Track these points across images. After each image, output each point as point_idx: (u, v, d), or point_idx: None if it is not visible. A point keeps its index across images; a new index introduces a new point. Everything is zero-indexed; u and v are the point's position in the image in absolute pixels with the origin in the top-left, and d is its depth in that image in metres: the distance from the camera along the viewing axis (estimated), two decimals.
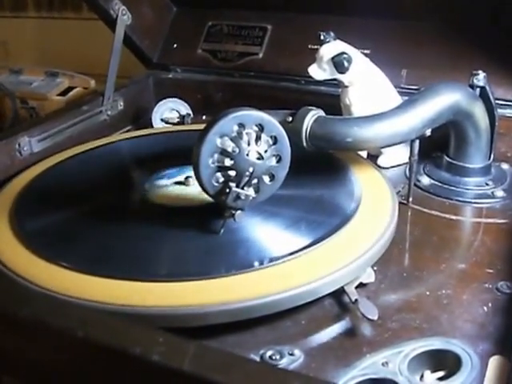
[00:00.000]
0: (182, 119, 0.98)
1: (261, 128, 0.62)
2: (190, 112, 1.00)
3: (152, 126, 0.99)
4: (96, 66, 1.01)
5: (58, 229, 0.68)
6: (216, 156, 0.61)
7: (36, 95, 1.20)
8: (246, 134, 0.61)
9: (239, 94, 1.03)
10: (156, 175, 0.75)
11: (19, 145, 0.86)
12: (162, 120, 0.99)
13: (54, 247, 0.63)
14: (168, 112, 1.00)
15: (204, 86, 1.07)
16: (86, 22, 1.18)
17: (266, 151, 0.62)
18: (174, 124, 0.98)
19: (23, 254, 0.62)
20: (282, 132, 0.62)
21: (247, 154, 0.61)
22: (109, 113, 1.00)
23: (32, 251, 0.62)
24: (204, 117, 1.02)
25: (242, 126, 0.61)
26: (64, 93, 1.21)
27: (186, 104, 1.00)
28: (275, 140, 0.62)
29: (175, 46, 1.11)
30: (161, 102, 1.00)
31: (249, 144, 0.61)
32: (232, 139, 0.61)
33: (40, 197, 0.74)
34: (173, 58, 1.12)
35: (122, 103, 1.03)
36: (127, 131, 1.02)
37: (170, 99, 1.00)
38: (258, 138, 0.62)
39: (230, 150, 0.61)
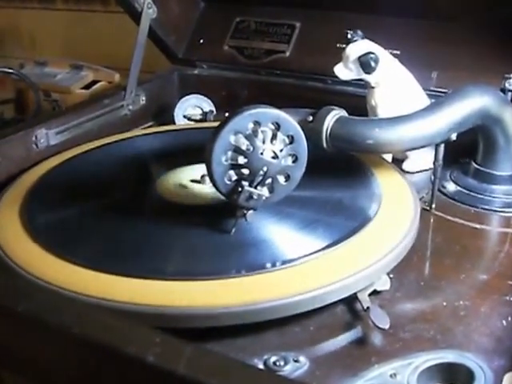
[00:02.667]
0: (205, 116, 0.96)
1: (277, 126, 0.60)
2: (213, 109, 0.98)
3: (174, 123, 0.97)
4: (122, 60, 0.99)
5: (67, 223, 0.67)
6: (229, 153, 0.59)
7: (59, 88, 1.20)
8: (262, 132, 0.59)
9: (264, 92, 1.01)
10: (172, 172, 0.74)
11: (36, 137, 0.85)
12: (184, 117, 0.98)
13: (61, 242, 0.62)
14: (191, 108, 0.98)
15: (229, 83, 1.06)
16: (114, 15, 1.17)
17: (281, 150, 0.60)
18: (196, 121, 0.97)
19: (29, 247, 0.61)
20: (299, 131, 0.61)
21: (261, 153, 0.59)
22: (130, 108, 0.98)
23: (38, 244, 0.61)
24: (227, 114, 1.00)
25: (257, 123, 0.59)
26: (88, 86, 1.21)
27: (209, 101, 0.99)
28: (292, 139, 0.61)
29: (201, 41, 1.10)
30: (184, 98, 0.98)
31: (264, 142, 0.59)
32: (246, 137, 0.59)
33: (52, 190, 0.74)
34: (198, 54, 1.10)
35: (144, 98, 1.01)
36: (149, 127, 1.01)
37: (194, 95, 0.99)
38: (273, 137, 0.60)
39: (244, 147, 0.59)
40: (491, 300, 0.59)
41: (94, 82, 1.23)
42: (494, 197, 0.77)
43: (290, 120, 0.60)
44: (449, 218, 0.73)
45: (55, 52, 1.54)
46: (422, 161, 0.83)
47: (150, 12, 0.98)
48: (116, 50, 1.17)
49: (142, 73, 1.01)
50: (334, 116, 0.70)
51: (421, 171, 0.84)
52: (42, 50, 1.58)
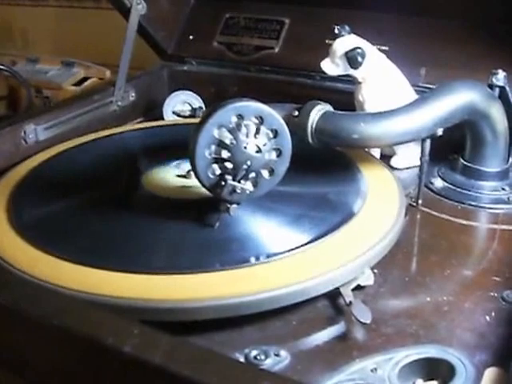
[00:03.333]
0: (194, 112, 0.96)
1: (261, 120, 0.60)
2: (203, 105, 0.98)
3: (163, 119, 0.97)
4: (113, 57, 0.99)
5: (53, 218, 0.67)
6: (213, 147, 0.59)
7: (51, 84, 1.20)
8: (245, 125, 0.59)
9: (253, 88, 1.01)
10: (158, 167, 0.74)
11: (25, 132, 0.85)
12: (173, 113, 0.97)
13: (45, 236, 0.62)
14: (180, 105, 0.98)
15: (218, 80, 1.05)
16: (105, 12, 1.16)
17: (265, 145, 0.60)
18: (185, 117, 0.96)
19: (14, 240, 0.61)
20: (282, 125, 0.60)
21: (245, 147, 0.59)
22: (119, 103, 0.98)
23: (23, 238, 0.61)
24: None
25: (240, 117, 0.59)
26: (79, 83, 1.21)
27: (198, 97, 0.99)
28: (276, 133, 0.60)
29: (191, 37, 1.10)
30: (173, 95, 0.98)
31: (247, 136, 0.59)
32: (230, 130, 0.59)
33: (40, 185, 0.73)
34: (188, 50, 1.10)
35: (133, 94, 1.01)
36: (138, 123, 1.01)
37: (183, 92, 0.98)
38: (257, 131, 0.60)
39: (227, 141, 0.59)
40: (475, 296, 0.58)
41: (85, 79, 1.23)
42: (481, 193, 0.76)
43: (273, 114, 0.60)
44: (436, 213, 0.73)
45: (47, 49, 1.54)
46: (410, 157, 0.82)
47: (139, 8, 0.98)
48: (107, 47, 1.17)
49: (132, 69, 1.01)
50: (319, 111, 0.69)
51: (409, 167, 0.83)
52: (33, 46, 1.57)
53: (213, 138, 0.59)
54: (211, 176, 0.59)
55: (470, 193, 0.77)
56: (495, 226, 0.71)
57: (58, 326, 0.44)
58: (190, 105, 0.98)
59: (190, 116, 0.96)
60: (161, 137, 0.86)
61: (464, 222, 0.72)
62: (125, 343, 0.41)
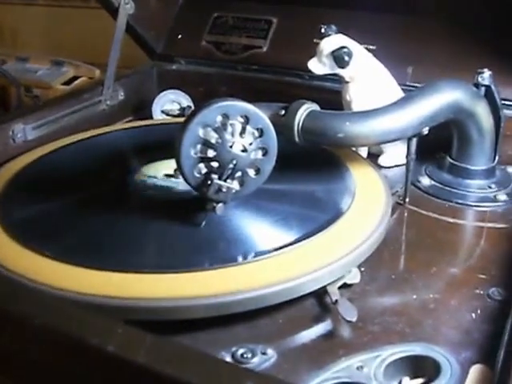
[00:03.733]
0: (183, 111, 0.96)
1: (246, 120, 0.60)
2: (191, 104, 0.98)
3: (152, 118, 0.97)
4: (103, 56, 0.99)
5: (40, 216, 0.66)
6: (199, 147, 0.59)
7: (40, 83, 1.20)
8: (231, 125, 0.59)
9: (242, 87, 1.01)
10: (148, 167, 0.74)
11: (13, 132, 0.85)
12: (162, 112, 0.97)
13: (31, 233, 0.62)
14: (169, 104, 0.98)
15: (207, 79, 1.05)
16: (95, 11, 1.16)
17: (250, 144, 0.60)
18: (174, 116, 0.97)
19: (1, 239, 0.61)
20: (268, 125, 0.60)
21: (230, 146, 0.59)
22: (108, 102, 0.98)
23: (10, 237, 0.61)
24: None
25: (226, 116, 0.59)
26: (69, 82, 1.21)
27: (187, 96, 0.99)
28: (261, 132, 0.60)
29: (180, 36, 1.10)
30: (161, 94, 0.98)
31: (233, 135, 0.59)
32: (215, 130, 0.59)
33: (28, 185, 0.73)
34: (177, 50, 1.10)
35: (122, 93, 1.01)
36: (127, 122, 1.01)
37: (172, 91, 0.99)
38: (243, 130, 0.60)
39: (213, 140, 0.59)
40: (461, 293, 0.59)
41: (75, 78, 1.23)
42: (468, 191, 0.77)
43: (258, 113, 0.60)
44: (422, 212, 0.73)
45: (36, 48, 1.53)
46: (397, 155, 0.83)
47: (127, 7, 0.98)
48: (97, 46, 1.16)
49: (122, 68, 1.02)
50: (305, 110, 0.69)
51: (396, 166, 0.84)
52: (23, 45, 1.57)
53: (198, 138, 0.59)
54: (197, 175, 0.60)
55: (457, 191, 0.77)
56: (482, 224, 0.72)
57: (41, 326, 0.44)
58: (179, 104, 0.98)
59: (179, 115, 0.97)
60: (150, 136, 0.86)
61: (451, 220, 0.72)
62: (109, 343, 0.41)
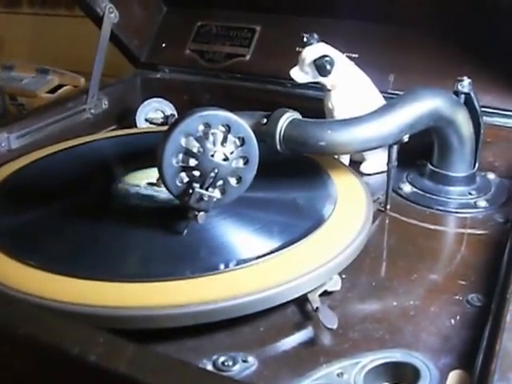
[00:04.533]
0: (166, 119, 0.96)
1: (228, 129, 0.60)
2: (175, 112, 0.98)
3: (136, 126, 0.97)
4: (88, 64, 0.99)
5: (23, 225, 0.66)
6: (180, 156, 0.59)
7: (25, 92, 1.20)
8: (212, 134, 0.60)
9: (225, 95, 1.01)
10: (131, 175, 0.74)
11: None
12: (146, 120, 0.98)
13: (14, 242, 0.62)
14: (153, 112, 0.99)
15: (190, 87, 1.06)
16: (80, 20, 1.16)
17: (232, 152, 0.60)
18: (157, 124, 0.97)
19: None
20: (249, 133, 0.61)
21: (212, 155, 0.59)
22: (92, 111, 0.98)
23: None
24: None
25: (207, 125, 0.60)
26: (54, 90, 1.21)
27: (170, 104, 0.99)
28: (243, 141, 0.61)
29: (164, 45, 1.10)
30: (145, 102, 0.99)
31: (214, 144, 0.60)
32: (197, 139, 0.59)
33: (12, 194, 0.73)
34: (161, 58, 1.10)
35: (106, 102, 1.01)
36: (111, 131, 1.01)
37: (155, 99, 0.99)
38: (224, 139, 0.60)
39: (194, 150, 0.59)
40: (441, 299, 0.59)
41: (60, 86, 1.23)
42: (449, 198, 0.78)
43: (240, 122, 0.60)
44: (403, 218, 0.74)
45: (22, 56, 1.53)
46: (379, 162, 0.83)
47: (111, 16, 0.98)
48: (82, 55, 1.16)
49: (107, 77, 1.02)
50: (287, 118, 0.70)
51: (378, 173, 0.84)
52: (8, 53, 1.57)
53: (180, 147, 0.59)
54: (179, 184, 0.60)
55: (437, 198, 0.78)
56: (462, 231, 0.72)
57: (24, 335, 0.44)
58: (163, 112, 0.99)
59: (163, 123, 0.97)
60: (133, 144, 0.86)
61: (432, 227, 0.73)
62: (90, 352, 0.42)
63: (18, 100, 1.20)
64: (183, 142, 0.59)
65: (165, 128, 0.89)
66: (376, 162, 0.84)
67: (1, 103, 1.17)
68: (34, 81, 1.23)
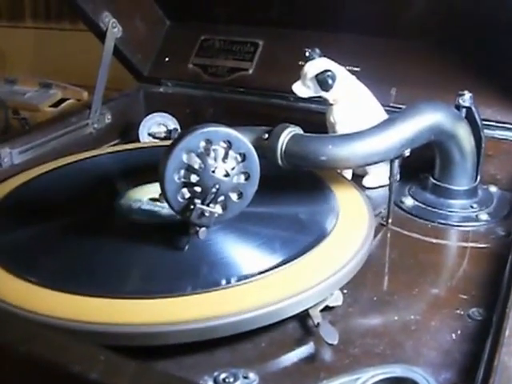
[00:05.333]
0: (169, 134, 0.97)
1: (229, 145, 0.60)
2: (178, 127, 0.99)
3: (139, 141, 0.98)
4: (91, 78, 1.00)
5: (25, 241, 0.67)
6: (182, 172, 0.60)
7: (28, 106, 1.20)
8: (214, 150, 0.60)
9: (228, 109, 1.02)
10: (133, 190, 0.75)
11: (0, 156, 0.85)
12: (149, 134, 0.98)
13: (15, 259, 0.62)
14: (155, 126, 0.99)
15: (193, 101, 1.06)
16: (83, 33, 1.17)
17: (233, 168, 0.61)
18: (160, 139, 0.97)
19: None
20: (250, 149, 0.61)
21: (213, 171, 0.60)
22: (95, 126, 0.99)
23: None
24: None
25: (209, 142, 0.60)
26: (57, 104, 1.21)
27: (173, 119, 1.00)
28: (244, 157, 0.61)
29: (167, 59, 1.10)
30: (148, 117, 0.99)
31: (216, 160, 0.60)
32: (198, 155, 0.60)
33: (13, 210, 0.74)
34: (164, 72, 1.11)
35: (109, 116, 1.02)
36: (114, 145, 1.01)
37: (158, 113, 0.99)
38: (225, 155, 0.61)
39: (196, 166, 0.59)
40: (442, 314, 0.60)
41: (63, 100, 1.24)
42: (451, 211, 0.78)
43: (241, 138, 0.61)
44: (405, 232, 0.74)
45: (25, 70, 1.54)
46: (381, 176, 0.83)
47: (114, 31, 0.99)
48: (85, 68, 1.17)
49: (110, 90, 1.02)
50: (288, 133, 0.70)
51: (381, 186, 0.85)
52: (11, 67, 1.58)
53: (182, 163, 0.59)
54: (180, 200, 0.60)
55: (439, 211, 0.78)
56: (464, 244, 0.73)
57: (25, 353, 0.44)
58: (166, 126, 0.99)
59: (166, 137, 0.97)
60: (136, 159, 0.87)
61: (434, 241, 0.73)
62: (91, 370, 0.42)
63: (20, 114, 1.20)
64: (185, 158, 0.59)
65: (168, 142, 0.90)
66: (378, 175, 0.84)
67: (3, 117, 1.17)
68: (36, 95, 1.24)
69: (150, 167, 0.74)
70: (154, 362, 0.53)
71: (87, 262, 0.62)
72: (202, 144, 0.60)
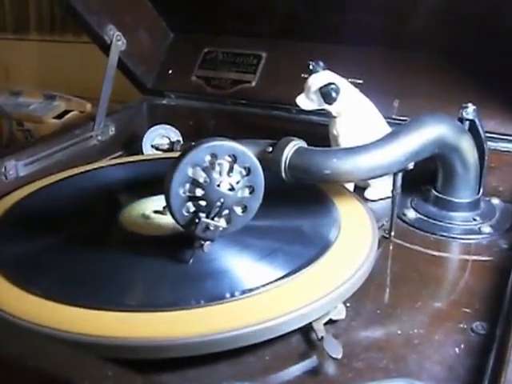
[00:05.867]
0: (172, 146, 0.97)
1: (234, 159, 0.61)
2: (180, 139, 0.99)
3: (143, 152, 0.98)
4: (95, 90, 1.01)
5: (30, 254, 0.67)
6: (187, 186, 0.60)
7: (32, 118, 1.21)
8: (219, 164, 0.60)
9: (231, 121, 1.02)
10: (137, 203, 0.75)
11: (5, 168, 0.85)
12: (152, 146, 0.99)
13: (21, 272, 0.62)
14: (159, 138, 0.99)
15: (197, 113, 1.07)
16: (87, 46, 1.18)
17: (238, 182, 0.61)
18: (163, 151, 0.98)
19: None
20: (255, 163, 0.62)
21: (218, 185, 0.60)
22: (99, 138, 0.99)
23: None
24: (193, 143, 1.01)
25: (214, 156, 0.60)
26: (60, 116, 1.22)
27: (176, 131, 1.00)
28: (248, 171, 0.62)
29: (170, 72, 1.11)
30: (151, 129, 1.00)
31: (220, 174, 0.60)
32: (204, 169, 0.60)
33: (18, 222, 0.74)
34: (167, 84, 1.12)
35: (113, 128, 1.02)
36: (117, 157, 1.02)
37: (161, 125, 1.00)
38: (230, 169, 0.61)
39: (201, 180, 0.60)
40: (445, 328, 0.60)
41: (67, 112, 1.24)
42: (453, 224, 0.78)
43: (246, 152, 0.61)
44: (408, 245, 0.74)
45: (30, 82, 1.56)
46: (384, 188, 0.84)
47: (119, 44, 1.00)
48: (88, 80, 1.18)
49: (114, 102, 1.03)
50: (292, 147, 0.71)
51: (383, 199, 0.85)
52: (16, 79, 1.59)
53: (187, 177, 0.60)
54: (185, 213, 0.61)
55: (442, 224, 0.78)
56: (467, 257, 0.73)
57: (33, 368, 0.44)
58: (169, 138, 1.00)
59: (169, 150, 0.98)
60: (140, 172, 0.87)
61: (436, 254, 0.73)
62: None
63: (24, 125, 1.21)
64: (190, 172, 0.60)
65: (170, 154, 0.91)
66: (381, 187, 0.84)
67: (8, 129, 1.17)
68: (41, 106, 1.25)
69: (153, 179, 0.74)
70: (157, 375, 0.53)
71: (91, 275, 0.62)
72: (208, 158, 0.60)
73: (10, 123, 1.17)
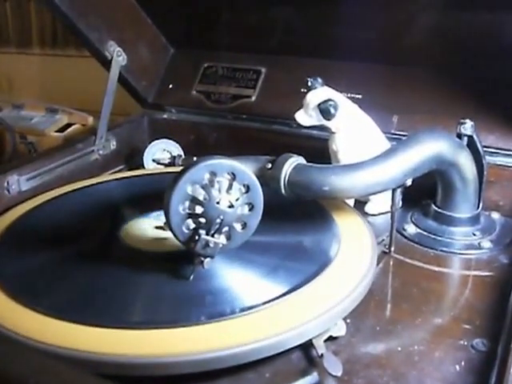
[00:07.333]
0: (173, 160, 0.98)
1: (233, 176, 0.61)
2: (181, 153, 1.00)
3: (144, 166, 0.99)
4: (97, 104, 1.01)
5: (31, 270, 0.67)
6: (187, 203, 0.61)
7: (35, 131, 1.22)
8: (218, 182, 0.61)
9: (231, 136, 1.03)
10: (138, 219, 0.75)
11: (8, 183, 0.86)
12: (153, 160, 0.99)
13: (23, 289, 0.63)
14: (160, 153, 1.00)
15: (197, 128, 1.08)
16: (88, 60, 1.19)
17: (237, 199, 0.61)
18: (165, 165, 0.98)
19: None
20: (254, 181, 0.62)
21: (218, 202, 0.61)
22: (101, 152, 1.00)
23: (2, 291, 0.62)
24: (195, 158, 1.01)
25: (213, 174, 0.61)
26: (63, 129, 1.22)
27: (177, 145, 1.01)
28: (248, 188, 0.62)
29: (170, 86, 1.12)
30: (153, 143, 1.00)
31: (220, 192, 0.61)
32: (203, 187, 0.60)
33: (20, 237, 0.74)
34: (168, 99, 1.12)
35: (114, 143, 1.03)
36: (119, 171, 1.02)
37: (162, 140, 1.01)
38: (230, 187, 0.61)
39: (200, 197, 0.60)
40: (446, 344, 0.60)
41: (69, 125, 1.25)
42: (453, 239, 0.78)
43: (245, 170, 0.61)
44: (408, 260, 0.74)
45: (32, 95, 1.57)
46: (384, 203, 0.84)
47: (119, 59, 1.00)
48: (90, 94, 1.19)
49: (116, 116, 1.03)
50: (291, 163, 0.71)
51: (383, 213, 0.85)
52: (18, 93, 1.60)
53: (187, 195, 0.60)
54: (185, 231, 0.61)
55: (441, 239, 0.78)
56: (467, 272, 0.73)
57: None
58: (170, 152, 1.00)
59: (170, 164, 0.98)
60: (142, 186, 0.88)
61: (436, 269, 0.73)
62: None
63: (27, 139, 1.22)
64: (189, 189, 0.60)
65: (171, 169, 0.91)
66: (380, 202, 0.85)
67: (11, 142, 1.18)
68: (43, 120, 1.26)
69: (155, 194, 0.74)
70: None
71: (92, 292, 0.63)
72: (207, 176, 0.61)
73: (13, 136, 1.17)
